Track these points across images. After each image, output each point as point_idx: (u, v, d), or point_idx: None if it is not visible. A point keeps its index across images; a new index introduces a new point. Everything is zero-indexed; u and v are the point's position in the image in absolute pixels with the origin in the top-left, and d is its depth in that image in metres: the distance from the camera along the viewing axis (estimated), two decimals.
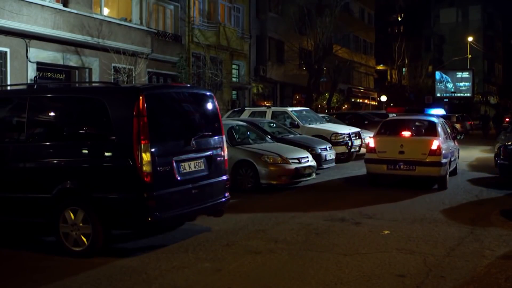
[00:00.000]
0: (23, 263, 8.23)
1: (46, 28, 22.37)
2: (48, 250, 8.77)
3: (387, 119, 18.38)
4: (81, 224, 8.36)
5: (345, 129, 22.49)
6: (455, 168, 17.70)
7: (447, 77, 72.74)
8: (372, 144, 15.63)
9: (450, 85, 72.19)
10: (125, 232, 9.59)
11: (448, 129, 17.35)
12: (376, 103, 66.43)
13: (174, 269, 7.75)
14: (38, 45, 22.74)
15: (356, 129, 23.03)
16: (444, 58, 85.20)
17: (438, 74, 73.39)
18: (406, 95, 69.05)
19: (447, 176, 15.25)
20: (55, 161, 8.69)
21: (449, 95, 72.16)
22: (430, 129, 15.89)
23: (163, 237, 9.51)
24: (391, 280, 7.28)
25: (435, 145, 14.72)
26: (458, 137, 18.12)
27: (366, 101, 66.80)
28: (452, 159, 16.09)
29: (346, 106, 54.48)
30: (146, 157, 8.03)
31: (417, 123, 16.90)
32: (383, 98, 59.73)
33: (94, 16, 24.96)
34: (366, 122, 29.57)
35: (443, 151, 14.83)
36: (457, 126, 47.26)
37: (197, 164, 9.19)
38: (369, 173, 15.83)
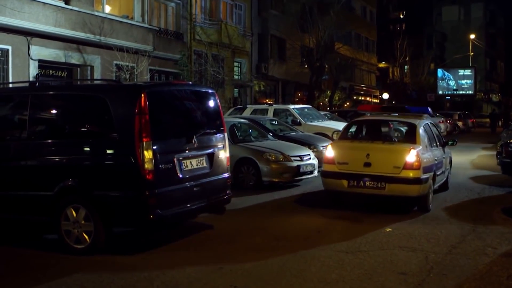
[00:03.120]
0: (25, 261, 8.22)
1: (48, 25, 22.37)
2: (50, 248, 8.76)
3: (354, 120, 14.97)
4: (83, 222, 8.37)
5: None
6: (446, 182, 14.25)
7: (449, 74, 72.76)
8: (330, 153, 12.23)
9: (452, 83, 72.19)
10: (127, 229, 9.59)
11: (436, 133, 13.88)
12: (378, 101, 66.41)
13: (176, 267, 7.75)
14: (40, 43, 22.74)
15: None
16: (446, 55, 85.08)
17: (440, 72, 73.39)
18: (408, 92, 69.02)
19: (430, 195, 11.97)
20: (56, 159, 8.69)
21: (451, 92, 72.18)
22: (409, 134, 12.82)
23: (165, 235, 9.50)
24: (393, 277, 7.28)
25: (412, 155, 11.36)
26: (449, 144, 14.38)
27: (368, 98, 66.76)
28: (439, 173, 12.75)
29: (348, 103, 54.44)
30: (148, 154, 8.03)
31: (392, 126, 14.68)
32: (385, 95, 59.75)
33: (96, 13, 24.94)
34: None
35: (425, 163, 11.58)
36: (459, 123, 47.38)
37: (199, 161, 9.19)
38: (326, 190, 12.60)
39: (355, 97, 60.82)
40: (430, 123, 13.78)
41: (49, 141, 8.88)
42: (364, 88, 65.14)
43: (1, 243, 9.21)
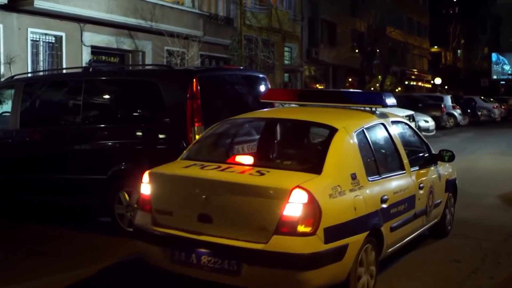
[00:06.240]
0: (79, 243, 8.36)
1: (100, 12, 22.64)
2: (104, 231, 8.86)
3: (222, 121, 7.25)
4: (135, 206, 8.44)
5: (399, 112, 22.19)
6: (443, 225, 8.40)
7: (504, 59, 71.07)
8: (145, 188, 6.02)
9: (507, 67, 70.55)
10: None
11: (415, 143, 8.05)
12: (430, 86, 65.42)
13: None
14: (93, 29, 23.08)
15: (410, 112, 22.72)
16: (501, 39, 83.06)
17: (494, 56, 71.75)
18: (461, 77, 67.79)
19: (365, 278, 5.78)
20: (110, 143, 8.80)
21: (506, 77, 70.58)
22: (316, 152, 6.34)
23: None
24: (446, 265, 7.19)
25: (295, 202, 5.09)
26: (445, 158, 7.87)
27: (419, 83, 65.85)
28: (398, 223, 6.50)
29: (399, 89, 53.78)
30: None
31: (290, 134, 7.68)
32: (438, 80, 58.75)
33: None
34: (420, 105, 29.31)
35: (336, 217, 5.28)
36: None
37: (250, 147, 9.18)
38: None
39: (406, 82, 60.06)
40: (394, 122, 7.38)
41: (102, 125, 8.99)
42: (415, 73, 64.24)
43: (57, 225, 9.38)
